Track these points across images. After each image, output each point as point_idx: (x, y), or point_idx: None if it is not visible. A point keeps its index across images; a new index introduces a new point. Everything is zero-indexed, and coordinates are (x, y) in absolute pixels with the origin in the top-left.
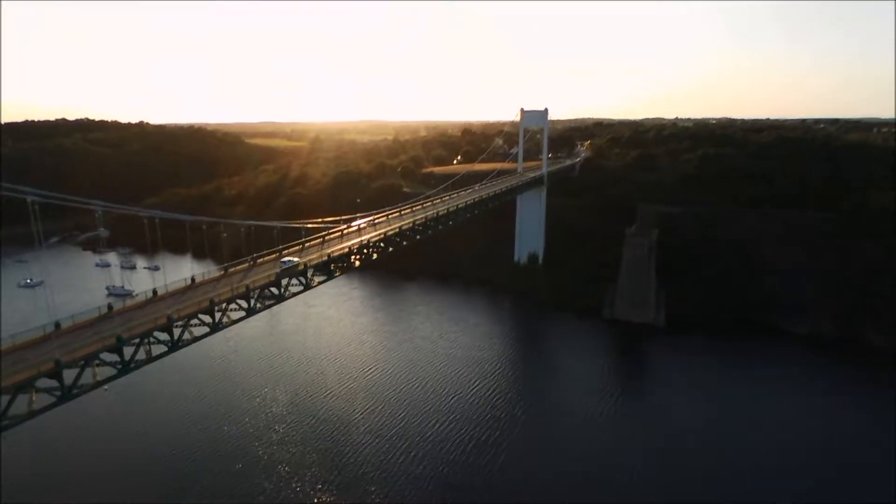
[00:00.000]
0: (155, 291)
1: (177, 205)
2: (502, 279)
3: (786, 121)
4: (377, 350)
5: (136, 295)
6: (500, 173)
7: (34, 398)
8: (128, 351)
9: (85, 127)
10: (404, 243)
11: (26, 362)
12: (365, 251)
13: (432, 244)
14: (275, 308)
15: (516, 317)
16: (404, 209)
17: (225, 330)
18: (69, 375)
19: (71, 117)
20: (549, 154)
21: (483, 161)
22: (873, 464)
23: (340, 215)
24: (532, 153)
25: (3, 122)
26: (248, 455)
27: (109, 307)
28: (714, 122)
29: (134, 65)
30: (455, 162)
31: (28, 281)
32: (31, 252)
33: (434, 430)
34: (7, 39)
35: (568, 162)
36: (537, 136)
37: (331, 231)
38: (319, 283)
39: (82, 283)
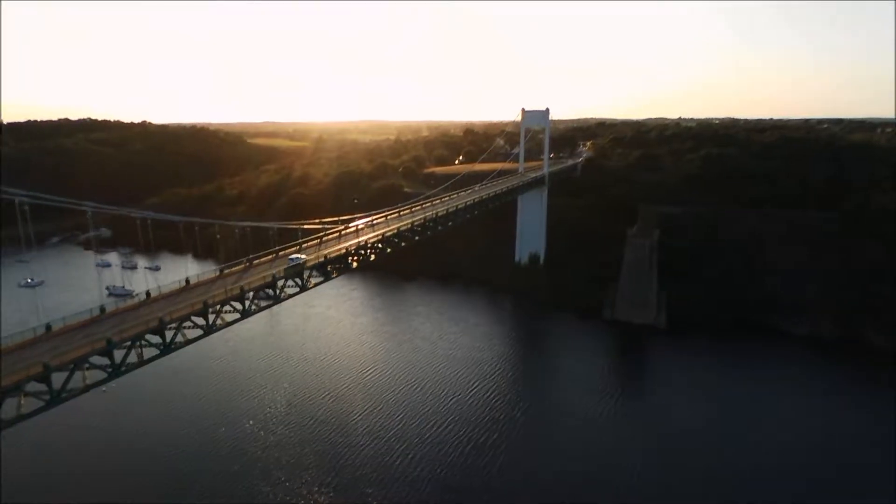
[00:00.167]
0: (148, 293)
1: (178, 205)
2: (503, 279)
3: (789, 121)
4: (376, 351)
5: (136, 295)
6: (502, 173)
7: (23, 402)
8: (119, 354)
9: (87, 127)
10: (402, 244)
11: (15, 365)
12: (362, 252)
13: (433, 244)
14: (274, 308)
15: (517, 317)
16: (403, 210)
17: (225, 330)
18: (59, 379)
19: (73, 117)
20: (550, 154)
21: (484, 161)
22: (873, 464)
23: (341, 216)
24: (534, 153)
25: (5, 123)
26: (245, 456)
27: (102, 309)
28: (717, 122)
29: (135, 65)
30: (457, 162)
31: (28, 281)
32: (32, 252)
33: (432, 432)
34: (10, 40)
35: (570, 162)
36: (539, 136)
37: (328, 232)
38: (316, 284)
39: (82, 283)
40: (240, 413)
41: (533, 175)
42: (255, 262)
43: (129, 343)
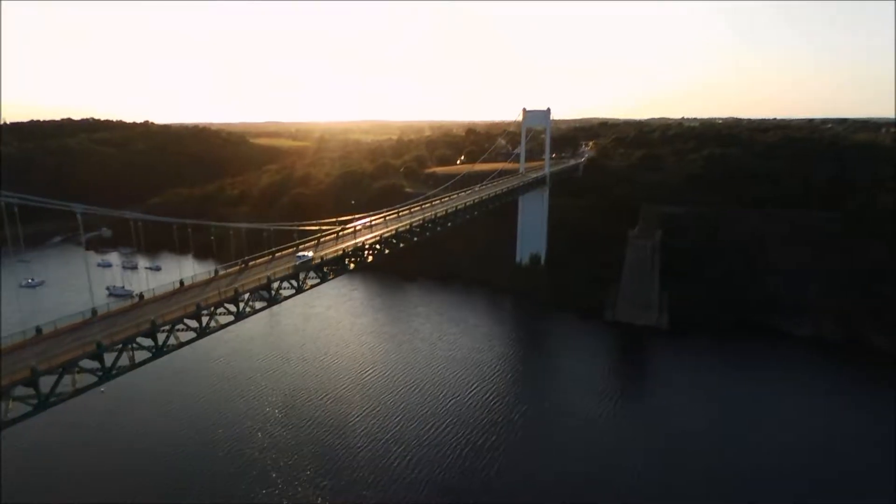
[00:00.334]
0: (141, 295)
1: (180, 205)
2: (503, 280)
3: (793, 120)
4: (375, 352)
5: (135, 296)
6: (503, 174)
7: (10, 406)
8: (110, 357)
9: (90, 127)
10: (401, 245)
11: (2, 370)
12: (360, 254)
13: (433, 245)
14: (274, 309)
15: (517, 318)
16: (402, 211)
17: (225, 331)
18: (47, 383)
19: (76, 117)
20: (552, 154)
21: (486, 161)
22: (874, 464)
23: (342, 216)
24: (536, 153)
25: (8, 122)
26: (243, 458)
27: (94, 311)
28: (720, 121)
29: (138, 65)
30: (458, 162)
31: (29, 281)
32: (33, 252)
33: (431, 434)
34: (14, 40)
35: (571, 162)
36: (541, 136)
37: (325, 233)
38: (312, 286)
39: (83, 283)
40: (238, 414)
41: (534, 175)
42: (252, 263)
43: (119, 346)
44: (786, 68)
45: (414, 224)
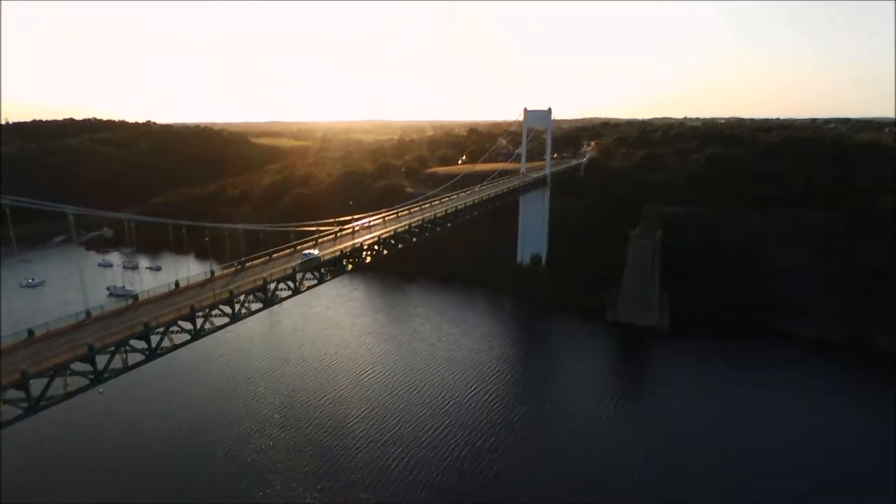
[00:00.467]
0: (136, 297)
1: (181, 205)
2: (504, 280)
3: (796, 120)
4: (375, 353)
5: (129, 299)
6: (503, 174)
7: (1, 408)
8: (103, 359)
9: (92, 127)
10: (400, 246)
11: None
12: (358, 255)
13: (434, 245)
14: (274, 309)
15: (518, 318)
16: (402, 211)
17: (224, 331)
18: (38, 386)
19: (78, 117)
20: (554, 154)
21: (488, 161)
22: (874, 465)
23: (342, 216)
24: (537, 153)
25: (11, 122)
26: (241, 459)
27: (87, 313)
28: (723, 121)
29: (140, 65)
30: (460, 162)
31: (30, 281)
32: (35, 252)
33: (430, 436)
34: (17, 40)
35: (573, 162)
36: (543, 136)
37: (323, 234)
38: (309, 287)
39: (84, 283)
40: (237, 415)
41: (535, 175)
42: (248, 264)
43: (112, 349)
44: (789, 68)
45: (413, 225)
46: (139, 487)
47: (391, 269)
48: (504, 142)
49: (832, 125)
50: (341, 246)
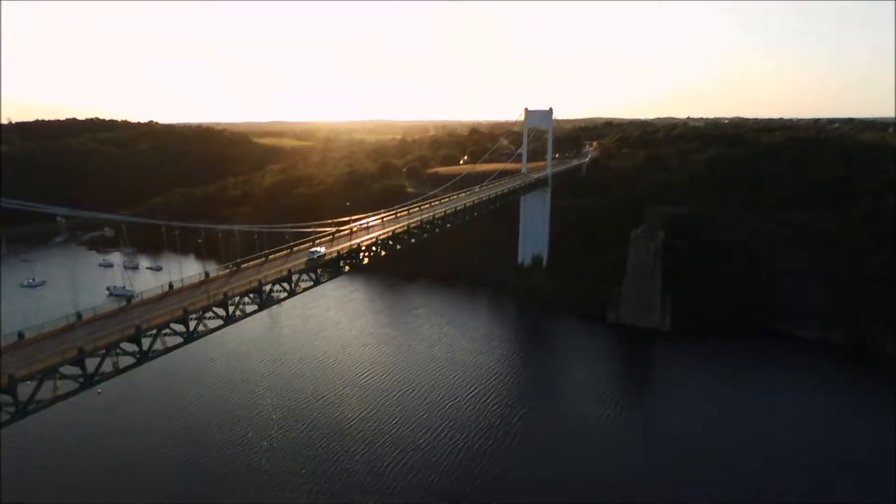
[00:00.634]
0: (129, 299)
1: (182, 205)
2: (505, 281)
3: (799, 120)
4: (374, 354)
5: (137, 295)
6: (504, 174)
7: None
8: (94, 362)
9: (94, 126)
10: (398, 247)
11: None
12: (355, 256)
13: (435, 245)
14: (274, 309)
15: (518, 320)
16: (401, 212)
17: (223, 332)
18: (26, 390)
19: (81, 117)
20: (555, 154)
21: (489, 161)
22: (875, 466)
23: (342, 217)
24: (539, 153)
25: (14, 122)
26: (237, 460)
27: (79, 315)
28: (726, 121)
29: (143, 65)
30: (462, 162)
31: (30, 281)
32: (36, 251)
33: (428, 438)
34: (19, 39)
35: (575, 162)
36: (545, 136)
37: (320, 235)
38: (305, 289)
39: (84, 283)
40: (235, 416)
41: (536, 176)
42: (244, 265)
43: (102, 352)
44: (793, 68)
45: (411, 225)
46: (137, 488)
47: (392, 269)
48: (505, 142)
49: (836, 125)
50: (338, 247)
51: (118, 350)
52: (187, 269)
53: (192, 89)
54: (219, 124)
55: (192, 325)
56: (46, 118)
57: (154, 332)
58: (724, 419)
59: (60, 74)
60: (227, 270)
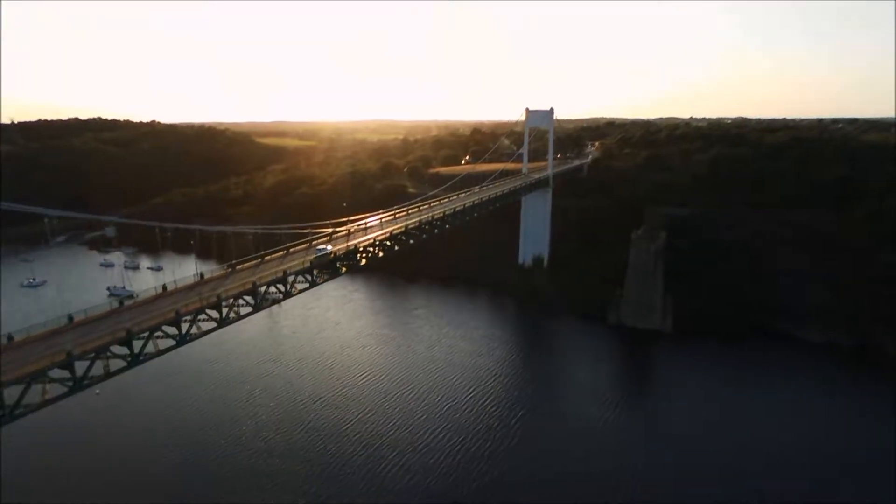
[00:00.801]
0: (121, 301)
1: (183, 205)
2: (506, 281)
3: (802, 120)
4: (373, 355)
5: (137, 295)
6: (505, 174)
7: None
8: (82, 366)
9: (97, 126)
10: (396, 248)
11: None
12: (352, 257)
13: (435, 245)
14: (273, 309)
15: (519, 321)
16: (399, 212)
17: (221, 332)
18: (13, 393)
19: (84, 117)
20: (557, 154)
21: (491, 161)
22: (876, 468)
23: (341, 217)
24: (540, 153)
25: (17, 122)
26: (234, 461)
27: (70, 318)
28: (729, 121)
29: (146, 65)
30: (463, 162)
31: (31, 281)
32: (36, 251)
33: (426, 440)
34: (23, 39)
35: (576, 162)
36: (546, 136)
37: (318, 236)
38: (301, 290)
39: (84, 283)
40: (232, 417)
41: (537, 176)
42: (239, 266)
43: (92, 355)
44: (796, 68)
45: (409, 227)
46: (137, 488)
47: (392, 269)
48: (507, 142)
49: (839, 125)
50: (336, 248)
51: (108, 353)
52: (188, 270)
53: (193, 89)
54: (221, 124)
55: (184, 327)
56: (49, 118)
57: (146, 334)
58: (725, 420)
59: (62, 74)
60: (222, 272)
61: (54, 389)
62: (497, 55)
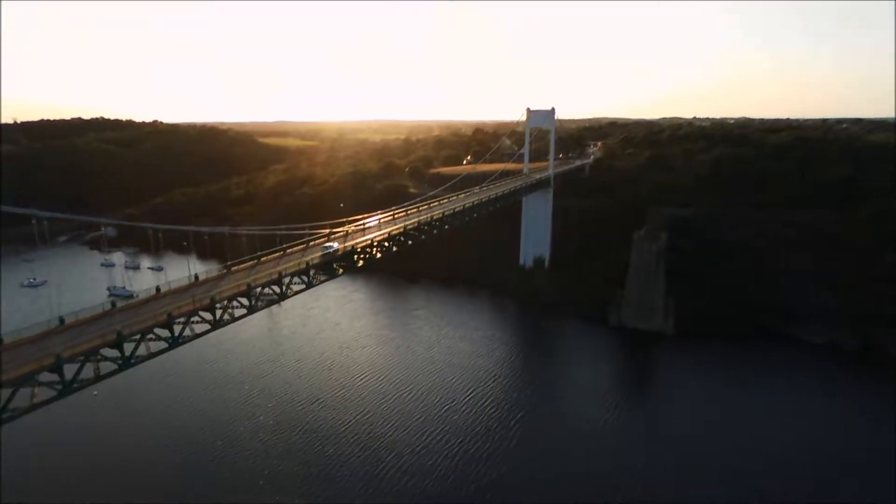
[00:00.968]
0: (113, 304)
1: (184, 205)
2: (507, 282)
3: (806, 120)
4: (372, 356)
5: (137, 295)
6: (505, 174)
7: None
8: (72, 369)
9: (99, 126)
10: (395, 249)
11: None
12: (350, 258)
13: (436, 246)
14: (273, 309)
15: (519, 322)
16: (398, 213)
17: (219, 332)
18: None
19: (87, 116)
20: (559, 154)
21: (491, 161)
22: (878, 467)
23: (341, 218)
24: (542, 153)
25: (19, 121)
26: (231, 463)
27: (61, 320)
28: (732, 121)
29: (149, 65)
30: (465, 162)
31: (31, 280)
32: (38, 251)
33: (424, 442)
34: (25, 38)
35: (578, 162)
36: (548, 136)
37: (315, 237)
38: (297, 292)
39: (85, 283)
40: (230, 418)
41: (537, 176)
42: (234, 268)
43: (82, 358)
44: (800, 67)
45: (408, 227)
46: (137, 488)
47: (393, 270)
48: (508, 142)
49: (844, 125)
50: (339, 246)
51: (99, 356)
52: (189, 270)
53: (194, 89)
54: (224, 124)
55: (177, 329)
56: (51, 118)
57: (137, 337)
58: (726, 421)
59: (64, 74)
60: (217, 273)
61: (43, 392)
62: (498, 55)
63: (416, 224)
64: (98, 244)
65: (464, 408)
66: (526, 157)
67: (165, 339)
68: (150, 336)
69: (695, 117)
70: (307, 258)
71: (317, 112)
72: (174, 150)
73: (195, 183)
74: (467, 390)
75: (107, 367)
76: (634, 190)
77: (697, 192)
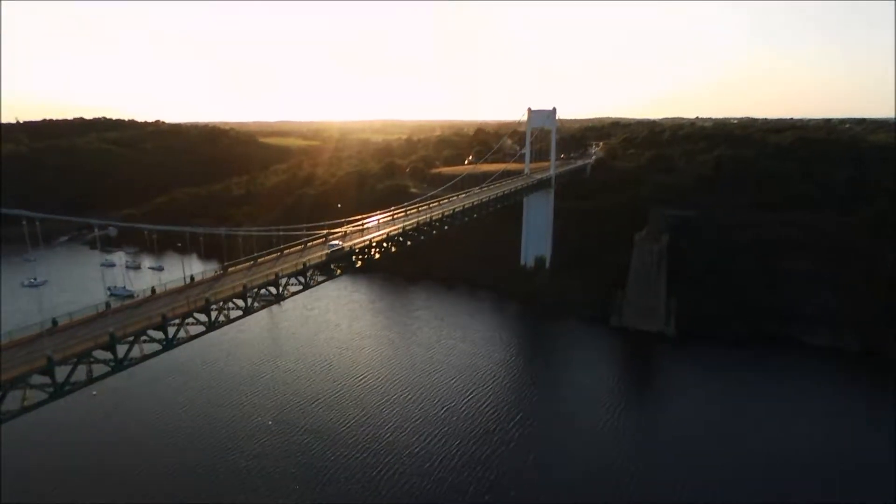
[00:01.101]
0: (108, 304)
1: (186, 204)
2: (507, 283)
3: (810, 120)
4: (371, 357)
5: (137, 295)
6: (506, 174)
7: None
8: (64, 371)
9: (101, 126)
10: (393, 249)
11: None
12: (348, 258)
13: (437, 247)
14: (273, 309)
15: (520, 323)
16: (398, 213)
17: (218, 333)
18: None
19: (89, 116)
20: (560, 155)
21: (493, 161)
22: (878, 469)
23: (341, 217)
24: (544, 153)
25: (22, 121)
26: (229, 464)
27: (54, 322)
28: (735, 121)
29: (151, 65)
30: (466, 162)
31: (32, 280)
32: (39, 251)
33: (423, 444)
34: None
35: (579, 163)
36: (549, 136)
37: (313, 237)
38: (294, 293)
39: (85, 283)
40: (228, 419)
41: (538, 176)
42: (230, 269)
43: (74, 360)
44: (803, 67)
45: (407, 228)
46: (137, 488)
47: (393, 270)
48: (509, 142)
49: (847, 125)
50: (329, 250)
51: (91, 358)
52: (189, 270)
53: (195, 89)
54: (226, 124)
55: (171, 331)
56: (54, 118)
57: (131, 339)
58: (727, 422)
59: (65, 74)
60: (213, 274)
61: (35, 395)
62: (498, 55)
63: (414, 225)
64: (98, 244)
65: (463, 409)
66: (527, 157)
67: (160, 342)
68: (144, 338)
69: (697, 117)
70: (304, 259)
71: (319, 112)
72: (176, 150)
73: (197, 183)
74: (467, 391)
75: (100, 369)
76: (636, 190)
77: (699, 192)
